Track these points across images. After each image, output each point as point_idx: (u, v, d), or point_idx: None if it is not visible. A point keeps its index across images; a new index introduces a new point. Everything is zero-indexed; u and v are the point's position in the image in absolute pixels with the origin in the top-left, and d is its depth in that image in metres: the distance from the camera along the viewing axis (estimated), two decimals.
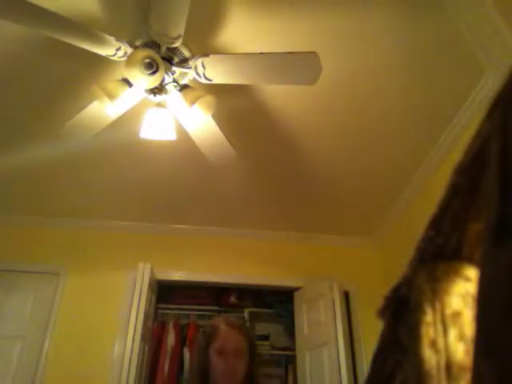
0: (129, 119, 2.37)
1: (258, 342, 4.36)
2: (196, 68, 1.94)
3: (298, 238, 3.85)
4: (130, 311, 3.13)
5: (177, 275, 3.71)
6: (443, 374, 0.20)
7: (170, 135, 2.13)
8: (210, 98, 1.97)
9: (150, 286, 3.36)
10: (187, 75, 2.05)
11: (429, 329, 0.21)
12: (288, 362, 4.24)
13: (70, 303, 3.41)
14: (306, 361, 3.44)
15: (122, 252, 3.67)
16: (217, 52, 2.04)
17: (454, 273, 0.22)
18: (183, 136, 2.36)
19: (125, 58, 1.89)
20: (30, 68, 2.23)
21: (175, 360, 3.89)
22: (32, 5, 1.59)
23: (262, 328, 4.56)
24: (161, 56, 1.89)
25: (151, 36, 1.86)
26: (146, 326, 3.24)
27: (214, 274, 3.72)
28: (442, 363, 0.20)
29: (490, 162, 0.17)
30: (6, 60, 2.18)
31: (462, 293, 0.22)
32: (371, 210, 3.47)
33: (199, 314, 4.40)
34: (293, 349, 3.81)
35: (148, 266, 3.35)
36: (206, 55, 1.89)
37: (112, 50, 1.85)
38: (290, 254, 3.80)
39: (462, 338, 0.20)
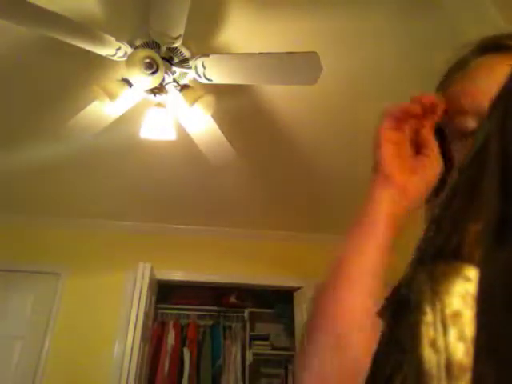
0: (129, 119, 2.37)
1: (257, 342, 4.37)
2: (196, 68, 1.94)
3: (298, 238, 3.86)
4: (130, 311, 3.13)
5: (177, 275, 3.71)
6: (443, 374, 0.20)
7: (170, 135, 2.13)
8: (209, 98, 1.97)
9: (150, 285, 3.36)
10: (187, 75, 2.05)
11: (429, 329, 0.21)
12: (288, 361, 4.24)
13: (69, 303, 3.41)
14: None
15: (122, 252, 3.67)
16: (217, 52, 2.04)
17: (453, 273, 0.22)
18: (183, 136, 2.36)
19: (125, 58, 1.89)
20: (29, 68, 2.23)
21: (175, 360, 3.90)
22: (32, 5, 1.59)
23: (262, 328, 4.56)
24: (161, 56, 1.89)
25: (151, 36, 1.86)
26: (146, 326, 3.24)
27: (214, 274, 3.72)
28: (442, 363, 0.20)
29: (490, 161, 0.17)
30: (6, 60, 2.18)
31: (462, 293, 0.22)
32: None
33: (199, 314, 4.41)
34: (293, 349, 3.81)
35: (148, 265, 3.35)
36: (206, 55, 1.89)
37: (112, 50, 1.85)
38: (289, 254, 3.80)
39: (461, 338, 0.20)
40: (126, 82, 1.97)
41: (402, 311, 0.23)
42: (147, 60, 1.82)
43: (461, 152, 0.50)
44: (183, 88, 2.03)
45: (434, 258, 0.22)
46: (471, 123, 0.49)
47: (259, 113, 2.49)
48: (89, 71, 2.23)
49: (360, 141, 2.74)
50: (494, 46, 0.53)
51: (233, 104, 2.40)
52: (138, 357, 2.98)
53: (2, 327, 3.30)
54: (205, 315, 4.42)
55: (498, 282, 0.15)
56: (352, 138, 2.70)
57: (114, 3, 1.90)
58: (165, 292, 4.06)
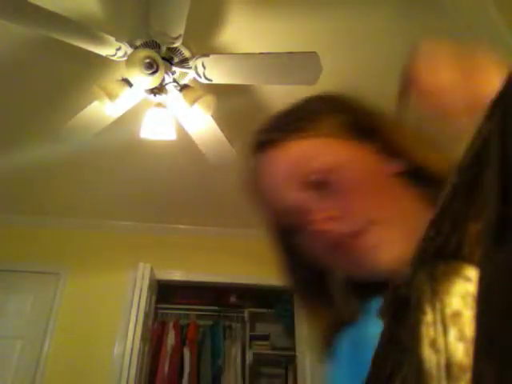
0: (129, 119, 2.37)
1: (258, 342, 4.37)
2: (196, 68, 1.94)
3: None
4: (130, 311, 3.13)
5: (177, 275, 3.71)
6: (443, 373, 0.20)
7: (170, 135, 2.13)
8: (209, 98, 1.97)
9: (150, 285, 3.36)
10: (187, 75, 2.05)
11: (429, 329, 0.21)
12: (288, 362, 4.24)
13: (69, 303, 3.41)
14: (306, 361, 3.44)
15: (122, 252, 3.67)
16: (217, 52, 2.04)
17: (453, 273, 0.22)
18: (183, 136, 2.36)
19: (125, 58, 1.89)
20: (30, 68, 2.23)
21: (175, 360, 3.90)
22: (32, 5, 1.59)
23: (262, 328, 4.56)
24: (161, 56, 1.89)
25: (151, 36, 1.86)
26: (146, 326, 3.24)
27: (214, 274, 3.72)
28: (442, 363, 0.20)
29: (490, 161, 0.17)
30: (6, 60, 2.18)
31: (462, 293, 0.22)
32: None
33: (199, 314, 4.41)
34: (293, 349, 3.81)
35: (148, 265, 3.35)
36: (206, 55, 1.89)
37: (112, 50, 1.85)
38: None
39: (461, 337, 0.20)
40: (126, 82, 1.97)
41: (402, 311, 0.23)
42: (147, 60, 1.82)
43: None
44: (183, 88, 2.03)
45: (434, 258, 0.22)
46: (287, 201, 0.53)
47: (259, 113, 2.49)
48: (89, 71, 2.23)
49: None
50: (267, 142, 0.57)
51: (233, 104, 2.40)
52: (138, 357, 2.98)
53: (1, 327, 3.30)
54: (205, 315, 4.42)
55: (498, 283, 0.15)
56: None
57: (114, 3, 1.90)
58: (165, 292, 4.06)
